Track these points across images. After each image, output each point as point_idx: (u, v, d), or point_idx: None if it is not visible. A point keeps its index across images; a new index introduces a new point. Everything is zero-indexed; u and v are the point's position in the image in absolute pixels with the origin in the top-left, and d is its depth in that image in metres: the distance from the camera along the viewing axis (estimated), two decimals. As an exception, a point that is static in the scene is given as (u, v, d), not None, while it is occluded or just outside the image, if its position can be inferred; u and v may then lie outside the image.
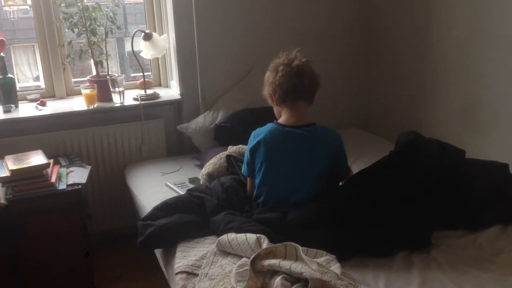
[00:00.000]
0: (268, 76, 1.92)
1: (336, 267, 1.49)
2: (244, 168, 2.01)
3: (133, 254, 2.53)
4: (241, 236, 1.65)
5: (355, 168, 2.12)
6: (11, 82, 2.57)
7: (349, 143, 2.12)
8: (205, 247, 1.77)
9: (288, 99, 1.88)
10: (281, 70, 1.86)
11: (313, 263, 1.43)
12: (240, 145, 2.28)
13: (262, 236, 1.63)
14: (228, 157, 2.19)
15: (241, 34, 2.84)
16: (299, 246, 1.49)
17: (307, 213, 1.78)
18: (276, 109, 1.98)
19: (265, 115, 2.10)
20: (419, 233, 1.75)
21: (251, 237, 1.63)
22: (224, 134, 2.60)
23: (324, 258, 1.54)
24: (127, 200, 2.54)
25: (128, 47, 4.29)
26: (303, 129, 1.89)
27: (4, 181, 2.12)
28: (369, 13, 3.09)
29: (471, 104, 2.48)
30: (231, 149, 2.29)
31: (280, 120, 1.93)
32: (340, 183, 1.97)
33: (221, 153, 2.28)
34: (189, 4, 2.68)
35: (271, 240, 1.61)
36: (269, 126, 1.94)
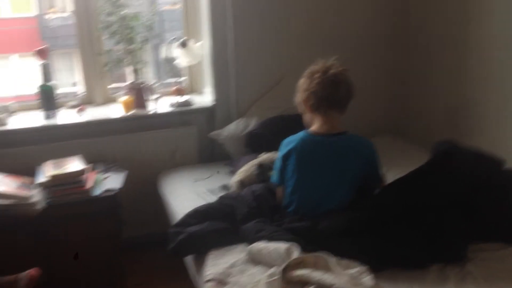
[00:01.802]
0: (303, 82, 1.91)
1: (368, 279, 1.47)
2: (275, 176, 2.00)
3: (163, 260, 2.55)
4: (272, 245, 1.65)
5: (389, 177, 2.08)
6: (52, 89, 2.65)
7: (382, 151, 2.08)
8: (235, 255, 1.77)
9: (321, 107, 1.86)
10: (317, 77, 1.84)
11: (345, 274, 1.41)
12: (272, 153, 2.28)
13: (293, 245, 1.62)
14: (260, 165, 2.19)
15: (275, 42, 2.84)
16: (331, 257, 1.47)
17: (339, 222, 1.76)
18: (307, 116, 1.97)
19: (297, 122, 2.09)
20: (454, 245, 1.70)
21: (282, 246, 1.63)
22: (256, 142, 2.60)
23: (356, 269, 1.52)
24: (160, 206, 2.57)
25: (163, 54, 4.37)
26: (336, 137, 1.88)
27: (44, 186, 2.19)
28: (403, 21, 3.04)
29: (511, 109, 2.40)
30: (263, 156, 2.29)
31: (312, 128, 1.92)
32: (374, 192, 1.93)
33: (252, 161, 2.28)
34: (225, 12, 2.71)
35: (302, 249, 1.60)
36: (300, 134, 1.93)
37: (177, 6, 2.97)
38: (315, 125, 1.92)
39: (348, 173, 1.87)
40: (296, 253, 1.57)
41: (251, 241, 1.74)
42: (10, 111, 2.66)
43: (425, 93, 3.00)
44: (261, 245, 1.67)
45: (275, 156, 2.21)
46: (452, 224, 1.74)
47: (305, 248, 1.61)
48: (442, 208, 1.77)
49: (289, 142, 1.94)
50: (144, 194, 2.76)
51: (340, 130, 1.90)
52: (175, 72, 2.85)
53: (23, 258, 2.10)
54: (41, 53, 2.60)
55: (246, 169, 2.23)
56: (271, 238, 1.71)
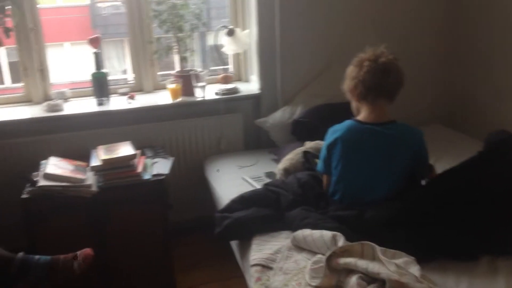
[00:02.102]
0: (351, 70, 1.89)
1: (415, 270, 1.45)
2: (320, 165, 2.00)
3: (209, 244, 2.63)
4: (317, 233, 1.65)
5: (439, 168, 2.03)
6: (105, 76, 2.74)
7: (432, 141, 2.03)
8: (280, 241, 1.79)
9: (369, 96, 1.84)
10: (366, 66, 1.82)
11: (391, 264, 1.40)
12: (317, 141, 2.27)
13: (338, 233, 1.62)
14: (305, 152, 2.19)
15: (322, 29, 2.82)
16: (377, 246, 1.46)
17: (386, 211, 1.74)
18: (354, 105, 1.95)
19: (344, 110, 2.07)
20: (506, 237, 1.64)
21: (327, 234, 1.63)
22: (302, 129, 2.60)
23: (403, 259, 1.50)
24: (206, 191, 2.62)
25: (210, 41, 4.41)
26: (383, 126, 1.85)
27: (96, 169, 2.28)
28: (454, 6, 2.95)
29: None
30: (308, 145, 2.28)
31: (359, 117, 1.90)
32: (423, 182, 1.90)
33: (298, 149, 2.28)
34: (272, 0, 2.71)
35: (347, 238, 1.60)
36: (347, 123, 1.91)
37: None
38: (362, 114, 1.90)
39: (395, 162, 1.84)
40: (341, 241, 1.57)
41: (296, 228, 1.75)
42: (65, 97, 2.78)
43: (476, 81, 2.90)
44: (306, 232, 1.68)
45: (320, 144, 2.21)
46: (504, 215, 1.68)
47: (350, 237, 1.60)
48: (494, 199, 1.71)
49: (335, 131, 1.93)
50: (190, 179, 2.83)
51: (389, 119, 1.87)
52: (222, 59, 2.88)
53: (76, 238, 2.19)
54: (94, 42, 2.69)
55: (291, 157, 2.24)
56: (316, 225, 1.71)
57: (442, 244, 1.63)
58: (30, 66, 2.70)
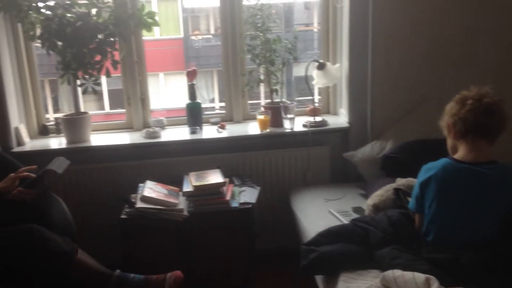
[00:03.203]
0: (452, 107, 1.83)
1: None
2: (412, 203, 1.93)
3: (292, 275, 2.61)
4: (408, 275, 1.58)
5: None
6: (199, 106, 2.88)
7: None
8: (368, 280, 1.74)
9: (468, 135, 1.77)
10: (469, 104, 1.76)
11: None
12: (409, 178, 2.20)
13: (432, 277, 1.54)
14: (396, 190, 2.14)
15: (417, 65, 2.76)
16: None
17: (484, 256, 1.64)
18: (451, 142, 1.88)
19: (438, 148, 1.99)
20: None
21: (420, 276, 1.56)
22: (392, 165, 2.53)
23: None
24: (290, 222, 2.63)
25: (295, 73, 4.46)
26: (483, 166, 1.76)
27: (188, 195, 2.38)
28: None
29: None
30: (400, 181, 2.22)
31: (457, 156, 1.82)
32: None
33: (388, 185, 2.22)
34: (365, 34, 2.71)
35: (442, 282, 1.52)
36: (442, 161, 1.84)
37: (310, 28, 3.04)
38: (459, 152, 1.82)
39: (494, 204, 1.74)
40: (435, 286, 1.49)
41: (385, 268, 1.69)
42: (162, 125, 2.95)
43: None
44: (397, 273, 1.62)
45: (412, 181, 2.14)
46: None
47: (445, 282, 1.52)
48: None
49: (429, 169, 1.86)
50: (275, 209, 2.86)
51: (488, 159, 1.78)
52: (311, 91, 2.91)
53: (167, 259, 2.30)
54: (191, 75, 2.86)
55: (381, 193, 2.19)
56: (407, 266, 1.65)
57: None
58: (133, 95, 2.91)
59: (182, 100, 2.90)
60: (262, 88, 3.24)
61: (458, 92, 1.84)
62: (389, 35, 2.72)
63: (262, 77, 2.90)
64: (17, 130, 2.70)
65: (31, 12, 2.54)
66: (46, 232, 1.90)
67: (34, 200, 2.06)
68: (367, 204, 2.22)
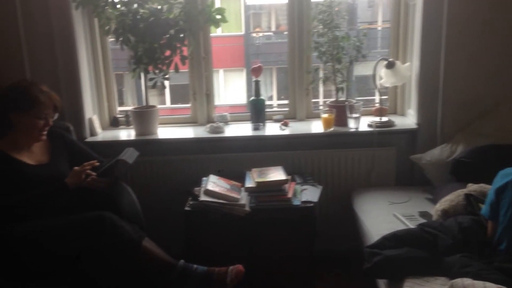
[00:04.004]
0: None
1: None
2: (485, 209, 1.85)
3: (352, 277, 2.58)
4: (479, 284, 1.52)
5: None
6: (263, 103, 2.89)
7: None
8: (435, 287, 1.68)
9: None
10: None
11: None
12: (482, 184, 2.11)
13: (504, 287, 1.47)
14: (468, 195, 2.05)
15: (491, 67, 2.63)
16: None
17: None
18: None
19: (513, 153, 1.90)
20: None
21: (491, 286, 1.49)
22: (463, 170, 2.42)
23: None
24: (352, 223, 2.58)
25: (358, 71, 4.37)
26: None
27: (250, 190, 2.40)
28: None
29: None
30: (472, 187, 2.12)
31: (536, 162, 1.72)
32: None
33: (459, 190, 2.13)
34: (439, 32, 2.62)
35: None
36: (520, 166, 1.75)
37: (374, 26, 2.97)
38: (539, 158, 1.72)
39: None
40: (509, 298, 1.42)
41: (454, 276, 1.63)
42: (226, 121, 2.99)
43: None
44: (466, 282, 1.55)
45: (485, 188, 2.05)
46: None
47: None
48: None
49: (507, 174, 1.77)
50: (336, 209, 2.82)
51: None
52: (379, 92, 2.84)
53: (227, 252, 2.33)
54: (256, 71, 2.87)
55: (452, 198, 2.10)
56: (478, 275, 1.58)
57: None
58: (199, 91, 2.97)
59: (241, 97, 2.91)
60: (321, 87, 3.19)
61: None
62: (464, 34, 2.60)
63: (327, 75, 2.86)
64: (90, 121, 2.83)
65: (107, 7, 2.65)
66: (117, 220, 1.98)
67: (107, 188, 2.15)
68: (435, 209, 2.15)
